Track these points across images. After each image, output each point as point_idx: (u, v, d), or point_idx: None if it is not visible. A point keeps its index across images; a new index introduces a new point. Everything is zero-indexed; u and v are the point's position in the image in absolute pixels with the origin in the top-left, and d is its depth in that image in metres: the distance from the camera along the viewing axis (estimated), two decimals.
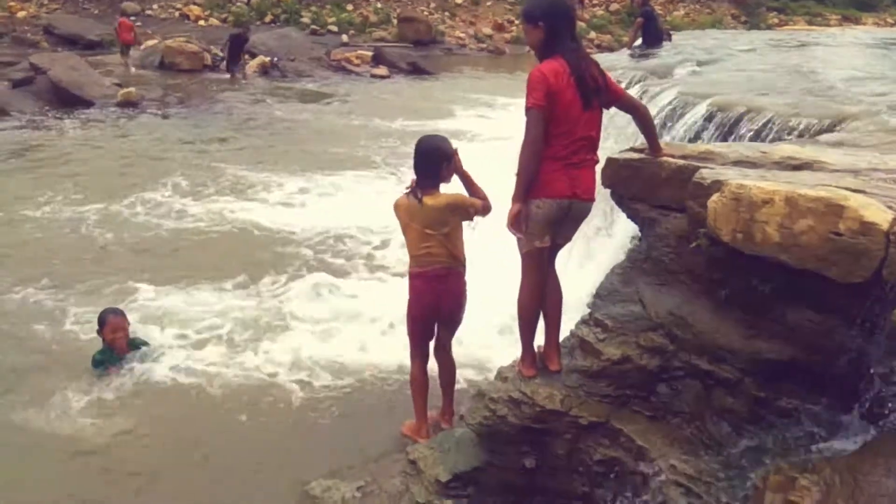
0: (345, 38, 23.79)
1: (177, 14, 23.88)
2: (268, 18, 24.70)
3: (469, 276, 3.52)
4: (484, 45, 25.99)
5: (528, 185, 2.87)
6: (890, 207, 2.30)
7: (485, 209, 3.37)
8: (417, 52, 22.83)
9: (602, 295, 3.19)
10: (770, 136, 4.52)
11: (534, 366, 3.09)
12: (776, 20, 32.73)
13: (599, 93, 2.87)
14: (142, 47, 17.34)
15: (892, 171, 2.88)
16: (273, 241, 6.74)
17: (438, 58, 23.27)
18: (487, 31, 27.08)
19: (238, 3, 25.15)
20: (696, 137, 5.07)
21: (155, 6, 24.11)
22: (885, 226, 2.21)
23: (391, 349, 4.53)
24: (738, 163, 3.10)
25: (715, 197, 2.57)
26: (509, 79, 19.57)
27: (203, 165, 9.01)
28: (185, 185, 8.15)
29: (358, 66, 18.33)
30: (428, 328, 3.47)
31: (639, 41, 9.44)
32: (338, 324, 5.10)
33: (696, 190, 2.77)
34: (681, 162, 3.02)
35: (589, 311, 3.19)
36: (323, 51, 20.29)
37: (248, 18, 24.29)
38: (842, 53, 8.97)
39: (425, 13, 27.04)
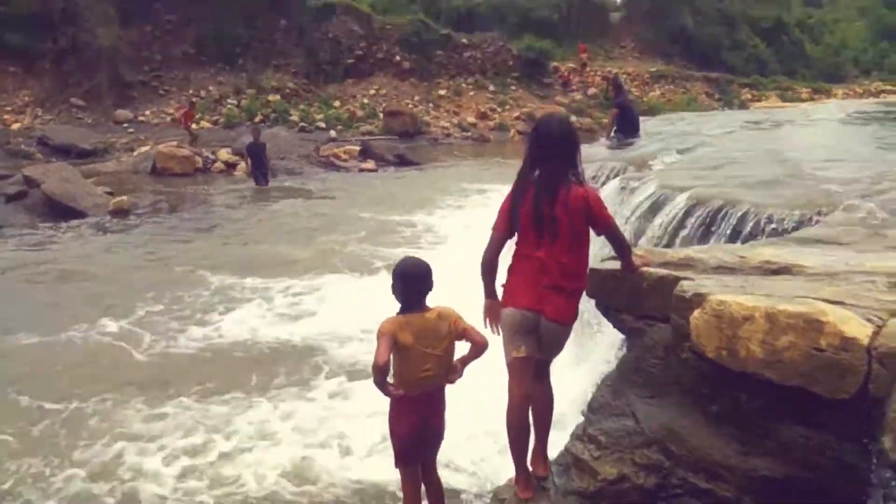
0: (333, 133, 24.46)
1: (168, 119, 24.52)
2: (258, 118, 25.37)
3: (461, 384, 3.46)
4: (468, 134, 26.71)
5: (487, 286, 3.08)
6: (869, 320, 2.32)
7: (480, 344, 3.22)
8: (404, 144, 23.43)
9: (594, 408, 3.15)
10: (748, 229, 4.61)
11: (529, 487, 3.02)
12: (749, 96, 33.93)
13: (555, 224, 2.86)
14: (134, 154, 17.73)
15: (870, 273, 2.91)
16: (257, 354, 6.59)
17: (424, 148, 23.85)
18: (471, 119, 27.90)
19: (228, 106, 25.93)
20: (678, 229, 5.17)
21: (147, 112, 24.81)
22: (865, 341, 2.23)
23: (380, 468, 4.41)
24: (717, 269, 3.14)
25: (696, 313, 2.59)
26: (494, 165, 20.05)
27: (191, 277, 8.91)
28: (171, 302, 7.92)
29: (346, 161, 18.74)
30: (416, 447, 3.37)
31: (614, 130, 9.74)
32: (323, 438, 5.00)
33: (678, 303, 2.79)
34: (662, 272, 3.05)
35: (582, 425, 3.14)
36: (312, 147, 20.78)
37: (239, 119, 25.03)
38: (815, 134, 9.28)
39: (410, 105, 27.91)
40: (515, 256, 2.96)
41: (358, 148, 19.70)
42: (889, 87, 39.04)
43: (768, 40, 38.31)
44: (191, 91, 25.99)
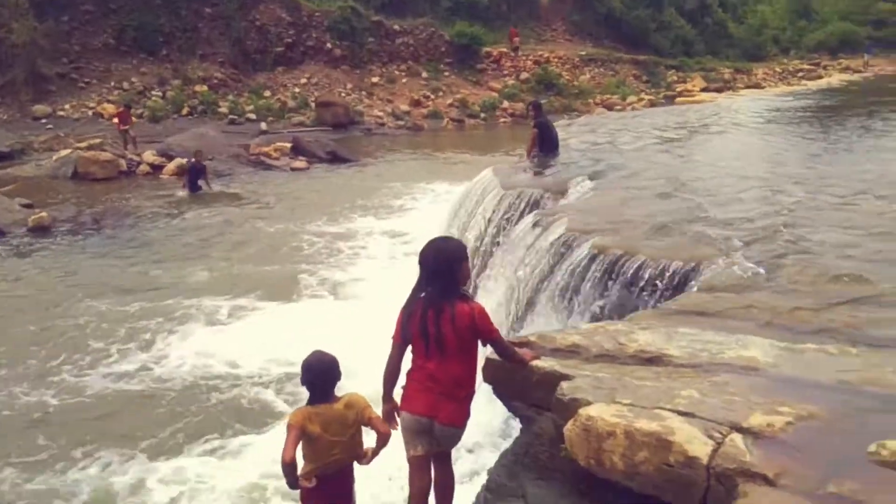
0: (263, 125, 24.12)
1: (90, 113, 23.68)
2: (184, 111, 24.80)
3: None
4: (402, 123, 26.73)
5: (386, 391, 3.31)
6: (712, 436, 2.67)
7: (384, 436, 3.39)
8: (337, 135, 23.35)
9: (491, 489, 3.44)
10: (643, 283, 5.01)
11: None
12: (675, 77, 34.90)
13: (442, 340, 3.08)
14: (54, 158, 17.14)
15: (728, 365, 3.28)
16: (179, 397, 6.52)
17: (358, 140, 23.80)
18: (405, 107, 27.90)
19: (153, 98, 25.19)
20: (581, 277, 5.53)
21: (67, 106, 23.87)
22: (705, 460, 2.56)
23: None
24: (599, 356, 3.48)
25: (569, 425, 2.89)
26: (427, 160, 20.21)
27: (72, 310, 8.59)
28: (84, 340, 7.70)
29: (277, 159, 18.58)
30: None
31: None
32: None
33: (557, 405, 3.10)
34: (548, 367, 3.35)
35: None
36: (241, 141, 20.49)
37: (164, 112, 24.38)
38: (722, 149, 9.79)
39: (342, 94, 27.70)
40: (412, 364, 3.21)
41: (289, 144, 19.52)
42: (806, 66, 40.82)
43: (693, 21, 39.36)
44: (112, 83, 25.15)
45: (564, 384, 3.16)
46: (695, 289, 4.53)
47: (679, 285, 4.89)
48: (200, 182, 15.32)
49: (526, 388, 3.41)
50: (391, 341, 3.22)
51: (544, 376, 3.33)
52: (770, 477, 2.44)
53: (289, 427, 3.32)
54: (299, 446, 3.34)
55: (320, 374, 3.45)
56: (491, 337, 3.16)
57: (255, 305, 8.70)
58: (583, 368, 3.34)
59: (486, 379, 3.57)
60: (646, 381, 3.15)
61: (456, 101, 28.88)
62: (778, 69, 39.91)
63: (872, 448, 2.56)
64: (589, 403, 2.96)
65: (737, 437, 2.65)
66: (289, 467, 3.23)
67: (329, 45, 28.74)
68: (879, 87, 24.61)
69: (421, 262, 3.14)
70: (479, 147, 21.67)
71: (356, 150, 21.04)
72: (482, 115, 28.57)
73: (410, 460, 3.25)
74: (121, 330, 7.95)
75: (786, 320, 3.84)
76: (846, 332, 3.63)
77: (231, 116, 24.69)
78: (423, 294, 3.13)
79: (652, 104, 28.20)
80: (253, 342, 7.49)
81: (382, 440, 3.40)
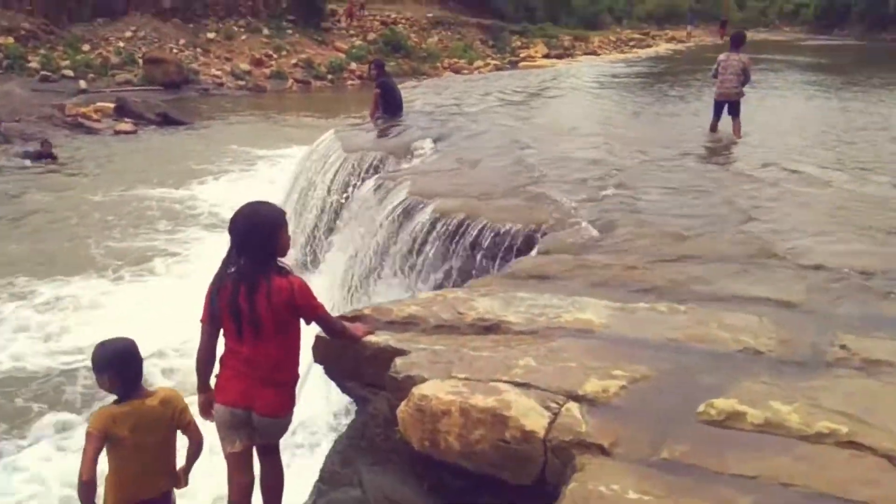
0: (83, 83, 21.80)
1: None
2: None
3: None
4: (243, 83, 25.23)
5: (199, 380, 2.95)
6: (548, 407, 2.55)
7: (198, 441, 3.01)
8: (169, 95, 21.60)
9: (325, 479, 3.19)
10: (485, 244, 4.91)
11: None
12: (519, 43, 35.74)
13: (257, 319, 2.72)
14: None
15: (564, 328, 3.21)
16: None
17: (193, 101, 22.15)
18: (245, 66, 26.34)
19: None
20: (423, 242, 5.35)
21: None
22: (542, 433, 2.44)
23: None
24: (437, 328, 3.28)
25: (402, 406, 2.67)
26: (271, 123, 19.19)
27: None
28: None
29: (98, 121, 16.81)
30: None
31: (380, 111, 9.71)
32: None
33: (391, 383, 2.87)
34: (382, 342, 3.11)
35: (312, 497, 3.17)
36: (56, 101, 18.35)
37: None
38: (559, 112, 9.98)
39: (175, 51, 25.62)
40: (224, 349, 2.84)
41: (112, 105, 17.72)
42: (637, 35, 43.37)
43: None
44: None
45: (398, 360, 2.93)
46: (534, 252, 4.48)
47: (521, 249, 4.83)
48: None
49: (358, 366, 3.15)
50: (200, 324, 2.81)
51: (378, 352, 3.08)
52: (605, 447, 2.36)
53: (88, 435, 2.75)
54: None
55: (125, 363, 2.89)
56: (315, 314, 2.84)
57: (32, 286, 7.72)
58: (419, 341, 3.14)
59: (317, 359, 3.27)
60: (483, 352, 3.00)
61: (301, 61, 27.69)
62: (612, 38, 42.05)
63: (701, 408, 2.57)
64: (424, 380, 2.76)
65: (573, 406, 2.56)
66: (86, 488, 2.68)
67: None
68: (698, 57, 26.54)
69: (230, 231, 2.73)
70: (326, 110, 20.93)
71: (191, 112, 19.57)
72: (329, 76, 27.65)
73: (228, 458, 2.89)
74: None
75: (619, 280, 3.86)
76: (675, 290, 3.70)
77: (43, 73, 22.04)
78: (233, 268, 2.74)
79: (498, 68, 28.65)
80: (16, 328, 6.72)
81: (196, 448, 2.99)
